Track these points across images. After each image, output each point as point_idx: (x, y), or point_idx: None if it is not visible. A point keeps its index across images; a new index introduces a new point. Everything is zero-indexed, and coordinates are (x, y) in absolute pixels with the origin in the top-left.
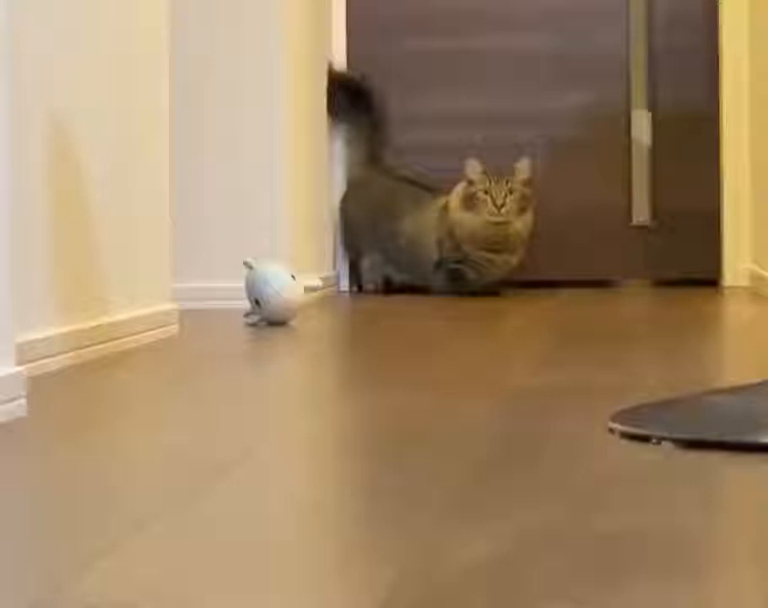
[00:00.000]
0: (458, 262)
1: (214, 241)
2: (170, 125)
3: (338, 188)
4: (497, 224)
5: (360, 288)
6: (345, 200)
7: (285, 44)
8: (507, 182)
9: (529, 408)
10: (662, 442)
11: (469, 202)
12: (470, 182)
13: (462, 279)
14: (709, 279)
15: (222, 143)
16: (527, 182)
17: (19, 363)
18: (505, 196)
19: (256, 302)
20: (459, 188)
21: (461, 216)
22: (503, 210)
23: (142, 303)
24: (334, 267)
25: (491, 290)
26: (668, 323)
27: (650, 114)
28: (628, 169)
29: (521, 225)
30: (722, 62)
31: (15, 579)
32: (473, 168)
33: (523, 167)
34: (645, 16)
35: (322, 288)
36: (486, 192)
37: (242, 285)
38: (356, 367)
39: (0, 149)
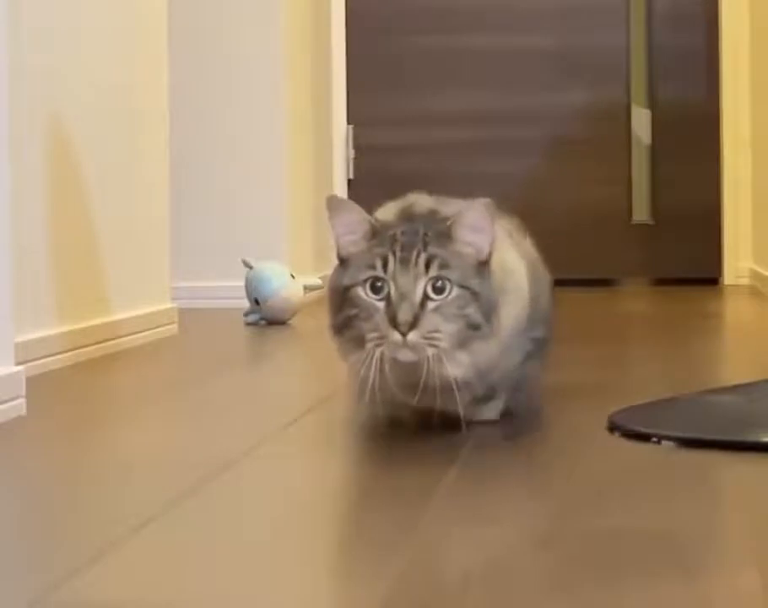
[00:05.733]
0: None
1: (214, 241)
2: (170, 125)
3: (341, 187)
4: (402, 363)
5: None
6: None
7: (286, 44)
8: (429, 265)
9: (528, 407)
10: (662, 441)
11: (346, 310)
12: (342, 262)
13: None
14: (709, 278)
15: (221, 143)
16: (483, 264)
17: (19, 363)
18: (423, 302)
19: (256, 301)
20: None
21: (337, 342)
22: (411, 337)
23: (141, 302)
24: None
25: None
26: (668, 321)
27: (650, 112)
28: (628, 167)
29: (458, 367)
30: (722, 60)
31: (14, 578)
32: (348, 231)
33: (476, 221)
34: (645, 14)
35: (322, 287)
36: (378, 289)
37: (242, 284)
38: None
39: (0, 149)
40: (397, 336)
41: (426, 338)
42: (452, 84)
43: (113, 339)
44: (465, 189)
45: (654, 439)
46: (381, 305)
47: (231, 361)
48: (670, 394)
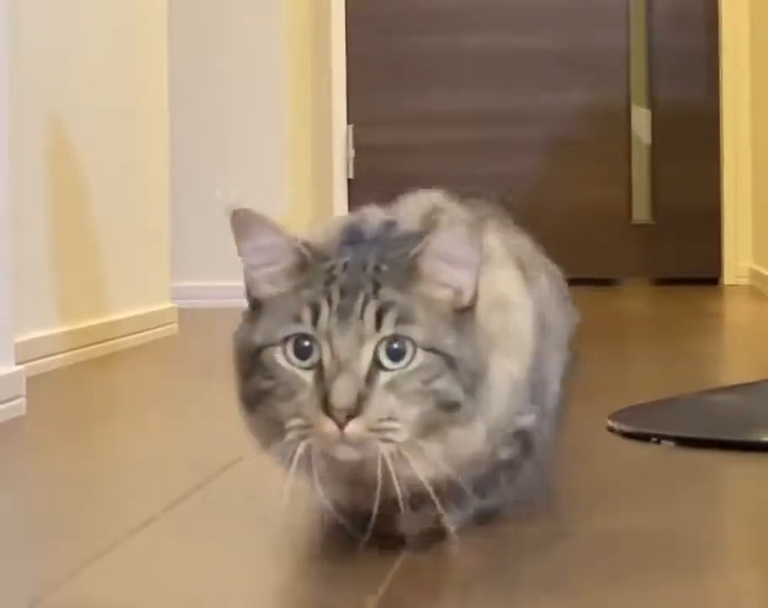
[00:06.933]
0: None
1: (214, 241)
2: (170, 125)
3: (341, 187)
4: (342, 462)
5: None
6: None
7: (286, 44)
8: (381, 317)
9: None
10: (662, 441)
11: (258, 381)
12: (254, 307)
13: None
14: (709, 278)
15: (221, 143)
16: (465, 312)
17: (19, 363)
18: (371, 374)
19: None
20: None
21: (248, 421)
22: (353, 428)
23: (141, 302)
24: None
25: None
26: (668, 321)
27: (650, 112)
28: (628, 167)
29: (428, 464)
30: (722, 60)
31: (15, 577)
32: (264, 262)
33: (455, 249)
34: (645, 14)
35: None
36: (304, 353)
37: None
38: None
39: (0, 149)
40: (330, 426)
41: (376, 429)
42: (452, 84)
43: (113, 338)
44: (465, 189)
45: (654, 439)
46: (309, 377)
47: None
48: (670, 394)
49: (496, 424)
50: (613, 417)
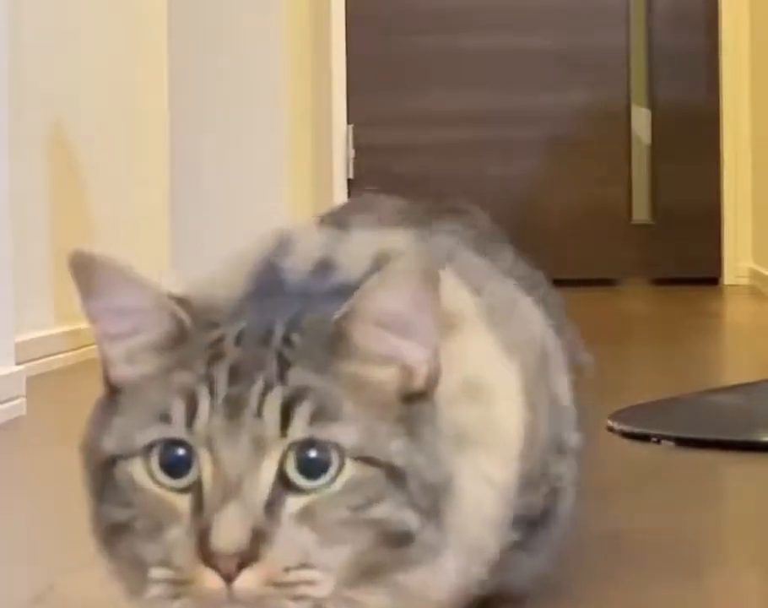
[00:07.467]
0: None
1: (214, 240)
2: (170, 124)
3: (341, 187)
4: None
5: None
6: None
7: (286, 44)
8: (290, 413)
9: None
10: (662, 441)
11: (111, 507)
12: (111, 393)
13: None
14: (709, 278)
15: (222, 143)
16: (417, 400)
17: (19, 363)
18: (274, 500)
19: None
20: None
21: (106, 562)
22: (244, 583)
23: None
24: None
25: None
26: (668, 321)
27: (650, 112)
28: (628, 167)
29: None
30: (722, 60)
31: (17, 575)
32: (124, 329)
33: (399, 309)
34: (645, 14)
35: None
36: (177, 466)
37: None
38: None
39: (0, 149)
40: (212, 581)
41: (281, 582)
42: (452, 84)
43: None
44: (465, 189)
45: (654, 439)
46: (184, 504)
47: None
48: (670, 394)
49: (474, 552)
50: (613, 417)
